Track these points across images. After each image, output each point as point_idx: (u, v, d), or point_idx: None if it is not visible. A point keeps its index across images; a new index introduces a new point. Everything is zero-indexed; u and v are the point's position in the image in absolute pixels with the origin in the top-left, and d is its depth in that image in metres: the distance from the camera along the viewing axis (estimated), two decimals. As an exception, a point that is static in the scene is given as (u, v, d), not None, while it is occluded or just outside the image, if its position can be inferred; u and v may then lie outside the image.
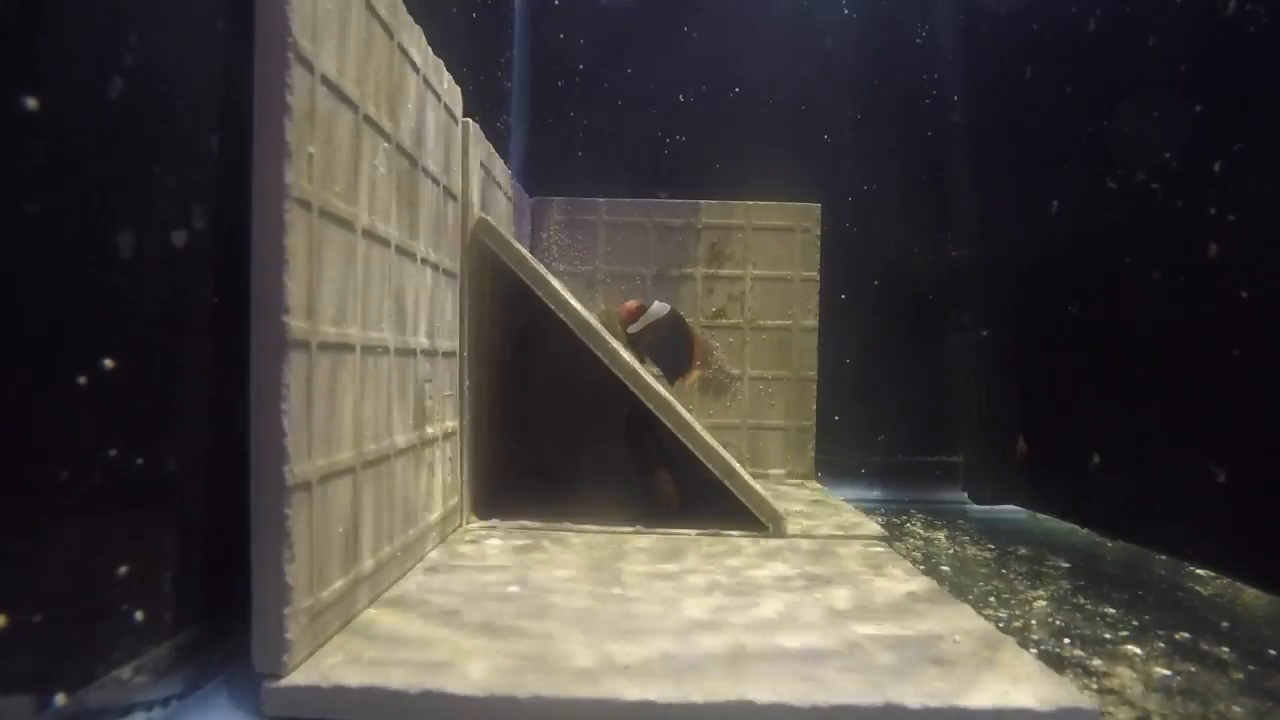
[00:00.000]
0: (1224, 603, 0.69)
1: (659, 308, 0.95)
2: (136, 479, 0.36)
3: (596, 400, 1.03)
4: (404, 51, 0.59)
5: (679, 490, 0.87)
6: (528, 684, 0.40)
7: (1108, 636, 0.58)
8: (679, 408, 0.80)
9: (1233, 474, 0.67)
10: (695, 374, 0.99)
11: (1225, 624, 0.62)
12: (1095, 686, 0.49)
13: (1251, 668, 0.53)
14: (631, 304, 0.96)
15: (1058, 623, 0.61)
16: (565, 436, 1.12)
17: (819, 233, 1.16)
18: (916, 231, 1.21)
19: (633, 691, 0.40)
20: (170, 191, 0.38)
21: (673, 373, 0.97)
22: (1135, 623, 0.62)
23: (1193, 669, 0.52)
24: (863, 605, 0.55)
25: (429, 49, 0.65)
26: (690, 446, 0.79)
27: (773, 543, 0.74)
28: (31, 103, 0.30)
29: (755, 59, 1.23)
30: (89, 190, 0.33)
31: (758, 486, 0.79)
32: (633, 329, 0.95)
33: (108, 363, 0.34)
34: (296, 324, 0.42)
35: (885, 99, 1.22)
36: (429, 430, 0.66)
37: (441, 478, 0.70)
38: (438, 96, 0.68)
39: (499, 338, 0.93)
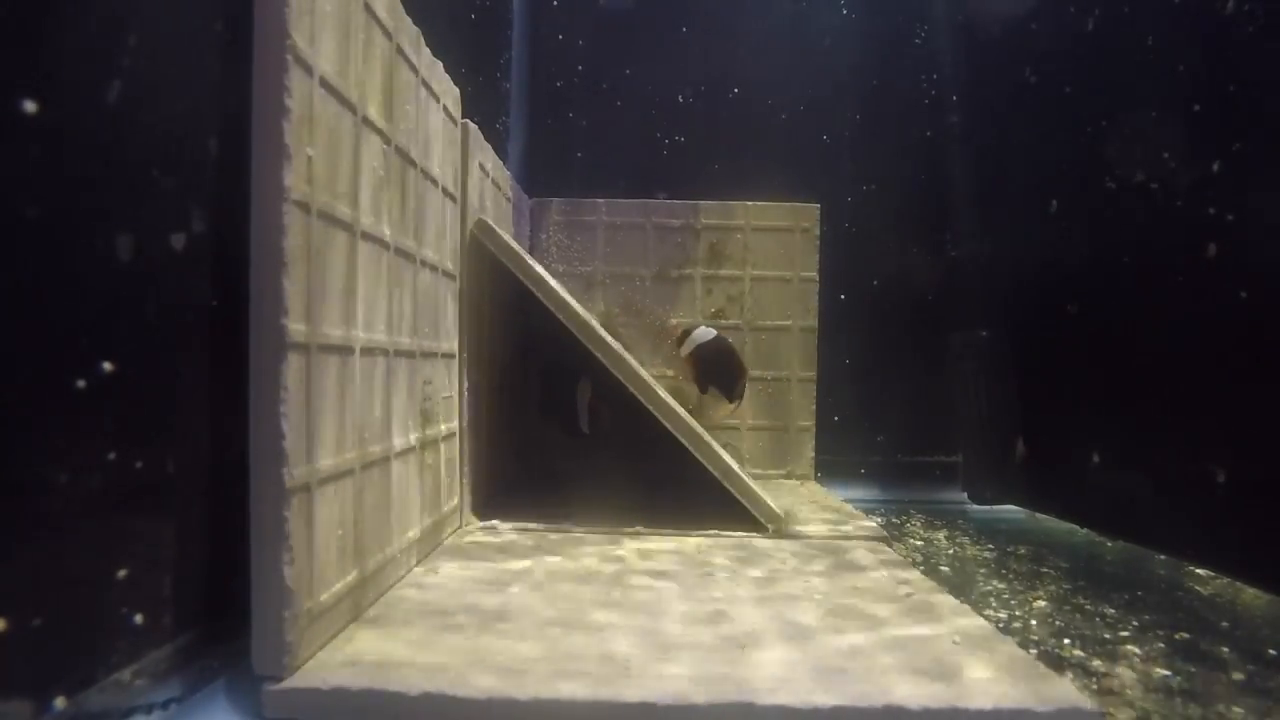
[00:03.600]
0: (1224, 602, 0.69)
1: (703, 333, 1.04)
2: (136, 482, 0.36)
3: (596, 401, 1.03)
4: (403, 53, 0.59)
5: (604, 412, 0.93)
6: (528, 685, 0.40)
7: (1107, 636, 0.58)
8: (678, 409, 0.80)
9: (1233, 474, 0.67)
10: (734, 406, 1.05)
11: (1225, 624, 0.62)
12: (1095, 687, 0.49)
13: (1251, 668, 0.53)
14: (675, 324, 1.07)
15: (1058, 623, 0.61)
16: (565, 437, 1.12)
17: (818, 233, 1.15)
18: (916, 231, 1.21)
19: (633, 692, 0.40)
20: (169, 194, 0.38)
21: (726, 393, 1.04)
22: (1135, 623, 0.62)
23: (1192, 669, 0.52)
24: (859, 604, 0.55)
25: (428, 50, 0.65)
26: (689, 447, 0.79)
27: (771, 543, 0.74)
28: (30, 105, 0.30)
29: (754, 59, 1.23)
30: (87, 193, 0.33)
31: (756, 487, 0.79)
32: (682, 351, 1.04)
33: (107, 365, 0.34)
34: (295, 326, 0.42)
35: (884, 99, 1.22)
36: (428, 432, 0.66)
37: (441, 479, 0.70)
38: (436, 98, 0.68)
39: (498, 339, 0.93)
